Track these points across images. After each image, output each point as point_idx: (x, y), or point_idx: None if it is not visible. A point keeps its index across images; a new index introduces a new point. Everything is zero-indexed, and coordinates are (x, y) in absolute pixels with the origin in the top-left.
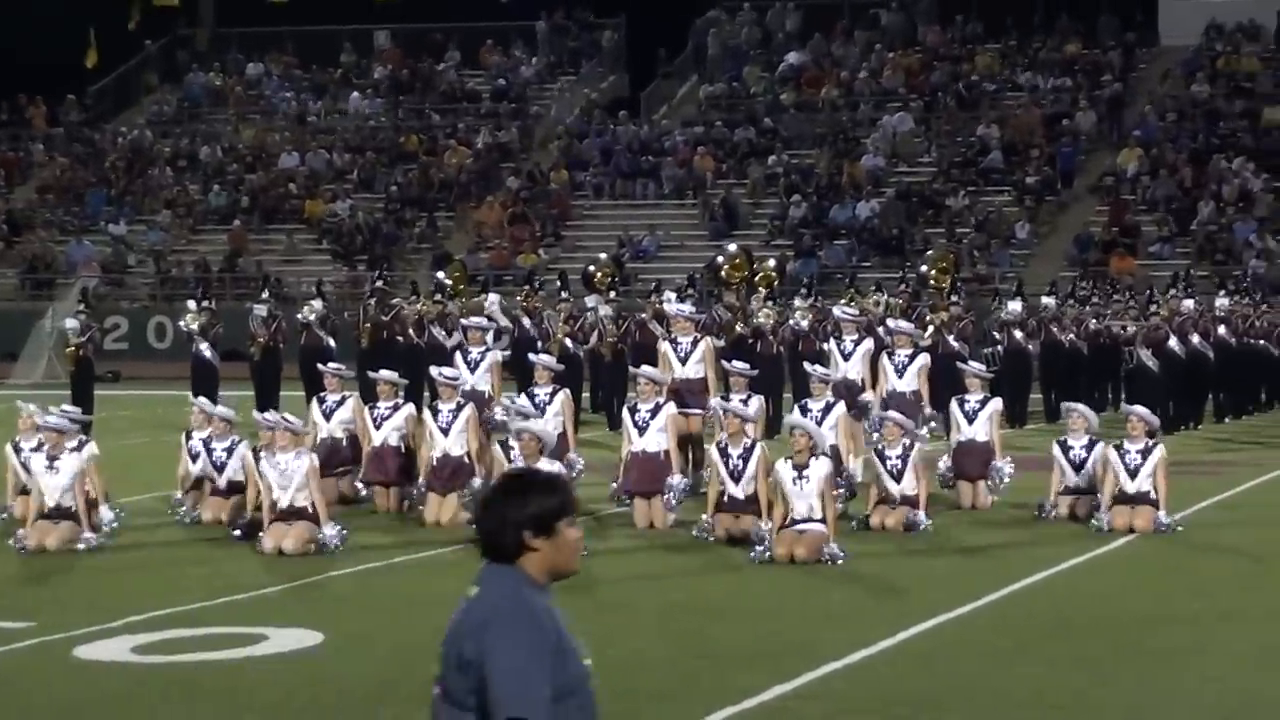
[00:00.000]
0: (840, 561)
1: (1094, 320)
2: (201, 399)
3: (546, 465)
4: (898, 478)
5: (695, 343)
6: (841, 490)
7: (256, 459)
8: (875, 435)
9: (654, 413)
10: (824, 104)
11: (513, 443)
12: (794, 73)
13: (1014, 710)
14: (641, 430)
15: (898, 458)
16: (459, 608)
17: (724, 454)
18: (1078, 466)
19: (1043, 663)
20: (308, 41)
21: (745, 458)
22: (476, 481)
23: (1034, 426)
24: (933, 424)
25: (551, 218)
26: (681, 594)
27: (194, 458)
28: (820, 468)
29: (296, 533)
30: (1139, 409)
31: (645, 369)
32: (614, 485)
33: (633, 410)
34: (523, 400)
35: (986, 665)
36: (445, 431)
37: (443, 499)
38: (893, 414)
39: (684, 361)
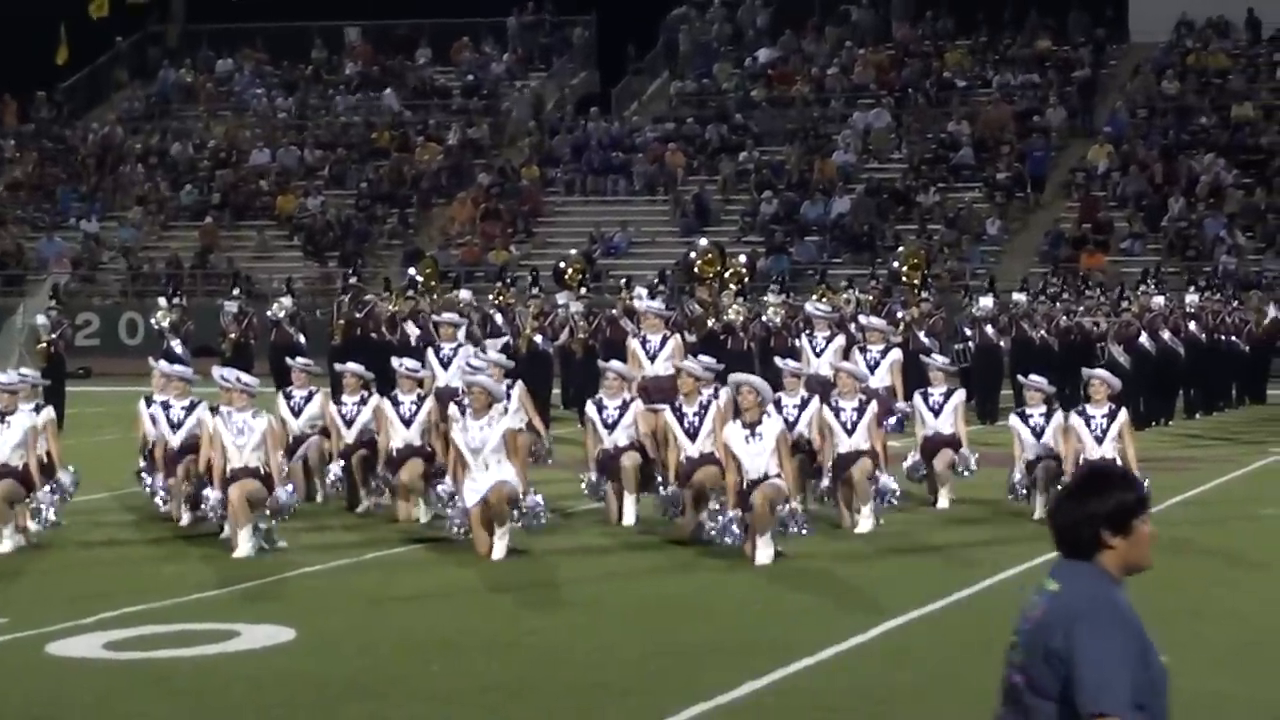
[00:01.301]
0: (803, 530)
1: (1065, 316)
2: (162, 362)
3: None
4: (850, 431)
5: (664, 340)
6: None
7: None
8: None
9: (622, 410)
10: (795, 100)
11: (465, 398)
12: (765, 69)
13: (987, 704)
14: (610, 428)
15: (853, 410)
16: (1035, 602)
17: (679, 414)
18: (1038, 434)
19: None
20: (278, 38)
21: (701, 415)
22: (444, 480)
23: (1006, 423)
24: (902, 418)
25: (523, 214)
26: (651, 592)
27: (154, 421)
28: (774, 425)
29: (248, 492)
30: (1100, 372)
31: (613, 364)
32: (591, 479)
33: (599, 406)
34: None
35: (959, 660)
36: (407, 423)
37: (408, 497)
38: (845, 364)
39: (653, 359)
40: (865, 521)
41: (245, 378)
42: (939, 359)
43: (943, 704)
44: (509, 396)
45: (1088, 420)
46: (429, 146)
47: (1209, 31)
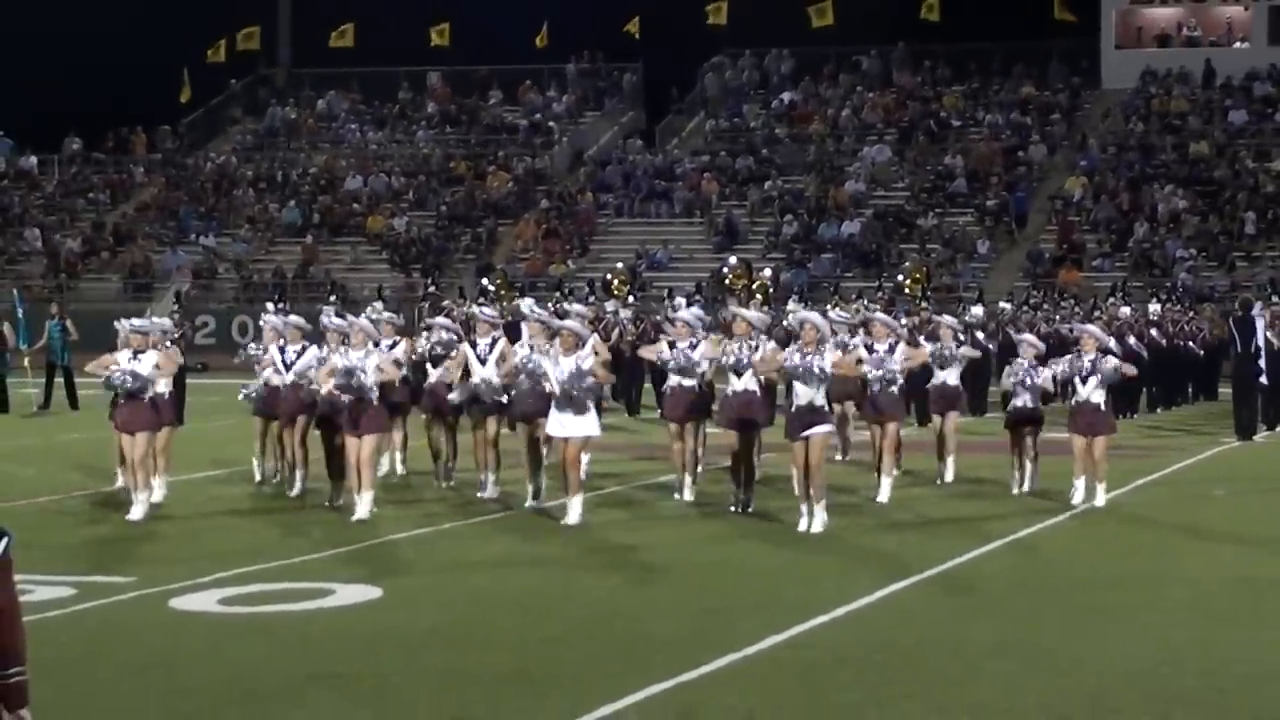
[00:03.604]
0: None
1: (1044, 324)
2: (272, 317)
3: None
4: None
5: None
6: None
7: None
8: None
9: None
10: (813, 137)
11: (540, 345)
12: (787, 110)
13: (976, 658)
14: (739, 373)
15: (885, 350)
16: None
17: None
18: (1028, 386)
19: (1001, 617)
20: (370, 80)
21: (750, 355)
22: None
23: (993, 415)
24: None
25: (579, 233)
26: (692, 558)
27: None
28: (827, 355)
29: (366, 446)
30: (1090, 327)
31: (744, 310)
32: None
33: (672, 348)
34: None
35: (953, 619)
36: (483, 361)
37: (485, 420)
38: (879, 315)
39: None
40: (884, 493)
41: (364, 321)
42: (948, 319)
43: (936, 657)
44: (493, 349)
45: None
46: (499, 175)
47: (1170, 80)
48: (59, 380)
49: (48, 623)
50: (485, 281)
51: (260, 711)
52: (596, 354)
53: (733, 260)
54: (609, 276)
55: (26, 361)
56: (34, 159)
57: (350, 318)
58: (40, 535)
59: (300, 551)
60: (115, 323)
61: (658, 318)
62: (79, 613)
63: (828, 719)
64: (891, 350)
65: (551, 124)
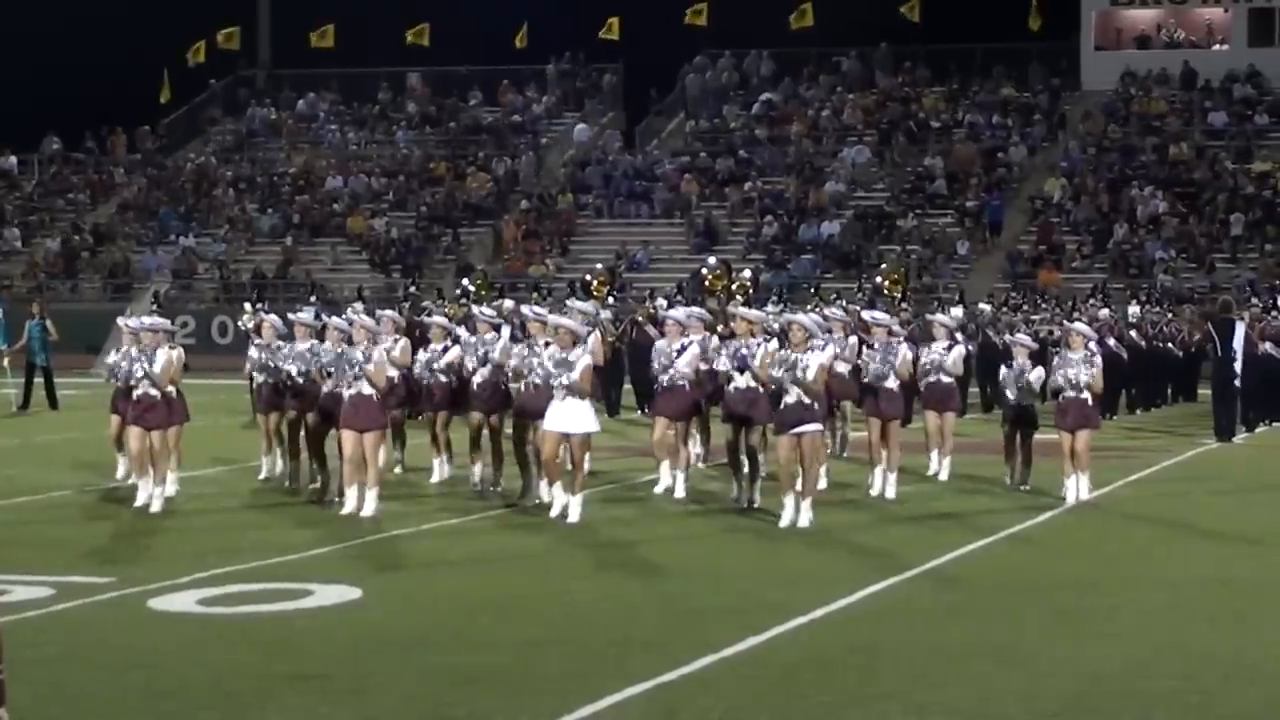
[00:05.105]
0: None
1: (1024, 325)
2: (302, 314)
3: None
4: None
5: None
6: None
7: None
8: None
9: (680, 350)
10: (793, 138)
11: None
12: (767, 111)
13: (953, 660)
14: (742, 371)
15: (887, 355)
16: None
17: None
18: (1022, 387)
19: (979, 619)
20: (350, 81)
21: (753, 352)
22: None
23: (972, 416)
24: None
25: (559, 234)
26: (672, 558)
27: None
28: (816, 358)
29: (370, 442)
30: (1078, 325)
31: (745, 309)
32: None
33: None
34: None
35: (931, 621)
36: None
37: (486, 415)
38: (877, 313)
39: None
40: (890, 489)
41: (364, 317)
42: (942, 317)
43: (913, 659)
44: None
45: (1068, 364)
46: (479, 176)
47: (1150, 82)
48: (38, 380)
49: (26, 623)
50: (466, 282)
51: (239, 712)
52: (592, 353)
53: (712, 261)
54: (589, 277)
55: (6, 362)
56: (13, 159)
57: (350, 315)
58: (19, 535)
59: (280, 551)
60: (118, 319)
61: (638, 318)
62: (58, 613)
63: None
64: (890, 347)
65: (531, 125)
